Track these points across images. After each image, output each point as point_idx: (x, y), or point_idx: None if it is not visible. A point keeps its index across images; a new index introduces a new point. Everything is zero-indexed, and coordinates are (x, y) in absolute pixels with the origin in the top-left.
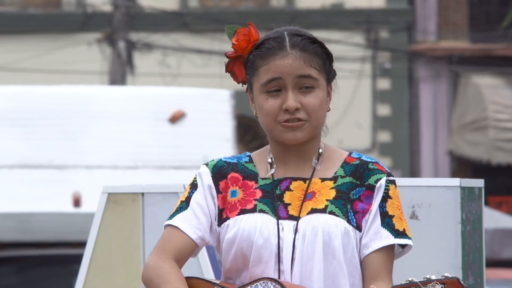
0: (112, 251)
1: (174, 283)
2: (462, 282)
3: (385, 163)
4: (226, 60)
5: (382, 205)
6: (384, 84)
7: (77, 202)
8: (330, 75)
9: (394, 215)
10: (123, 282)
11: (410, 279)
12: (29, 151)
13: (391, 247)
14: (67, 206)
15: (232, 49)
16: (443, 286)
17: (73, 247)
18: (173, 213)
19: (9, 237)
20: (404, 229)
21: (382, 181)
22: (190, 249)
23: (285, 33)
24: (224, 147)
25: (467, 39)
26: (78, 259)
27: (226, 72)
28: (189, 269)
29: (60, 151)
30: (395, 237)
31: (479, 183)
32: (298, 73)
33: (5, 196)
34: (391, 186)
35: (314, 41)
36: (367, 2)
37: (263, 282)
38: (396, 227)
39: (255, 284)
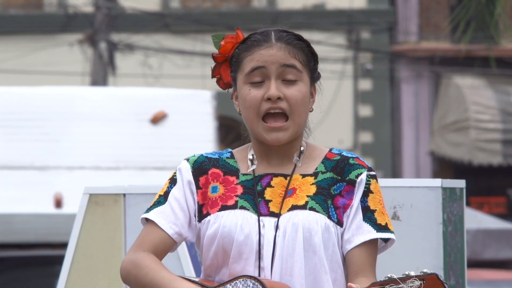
0: (93, 252)
1: (155, 268)
2: (441, 278)
3: None
4: (208, 61)
5: (363, 200)
6: (365, 84)
7: (58, 203)
8: (314, 74)
9: (375, 210)
10: (105, 283)
11: (389, 275)
12: (10, 153)
13: (373, 242)
14: (48, 207)
15: (219, 53)
16: (422, 282)
17: (54, 248)
18: (151, 206)
19: None
20: (386, 223)
21: (363, 176)
22: (167, 245)
23: (272, 30)
24: (206, 148)
25: (448, 40)
26: (59, 260)
27: (212, 78)
28: (169, 266)
29: (41, 152)
30: (377, 232)
31: (461, 183)
32: (283, 62)
33: None
34: (372, 181)
35: (300, 38)
36: (349, 3)
37: (243, 280)
38: (378, 222)
39: (234, 282)
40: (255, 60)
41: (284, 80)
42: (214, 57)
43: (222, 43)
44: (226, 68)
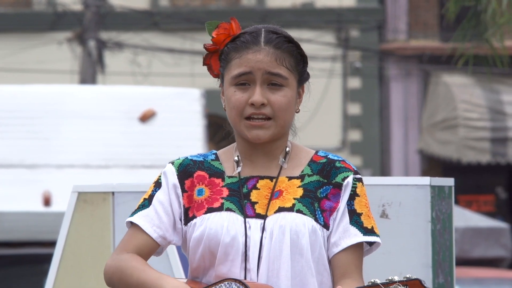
0: (82, 250)
1: (140, 268)
2: (425, 284)
3: (355, 162)
4: (197, 59)
5: (350, 203)
6: (354, 83)
7: (47, 202)
8: (302, 76)
9: (362, 213)
10: (93, 281)
11: (372, 280)
12: None
13: (360, 245)
14: (37, 205)
15: (212, 42)
16: (405, 287)
17: (43, 246)
18: (135, 210)
19: None
20: (372, 227)
21: (349, 179)
22: (151, 248)
23: (263, 29)
24: (195, 146)
25: (438, 38)
26: (48, 258)
27: (203, 65)
28: (159, 266)
29: (30, 151)
30: (363, 235)
31: (449, 182)
32: (268, 69)
33: None
34: (359, 184)
35: (290, 40)
36: (338, 1)
37: (227, 283)
38: (365, 225)
39: (219, 285)
40: (243, 66)
41: (270, 84)
42: (206, 47)
43: (215, 33)
44: (217, 59)
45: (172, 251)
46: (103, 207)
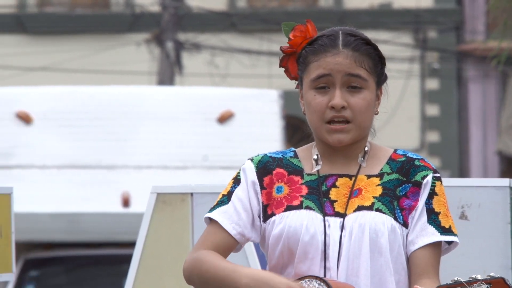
0: (161, 251)
1: (215, 262)
2: (508, 282)
3: (434, 163)
4: (274, 60)
5: (428, 202)
6: (432, 84)
7: (126, 202)
8: (380, 78)
9: (440, 212)
10: (172, 282)
11: (455, 278)
12: (77, 152)
13: (437, 244)
14: (116, 206)
15: (288, 45)
16: (489, 286)
17: (122, 247)
18: (214, 206)
19: (58, 237)
20: (450, 226)
21: (429, 178)
22: (229, 245)
23: (340, 32)
24: (273, 147)
25: None
26: (127, 259)
27: (280, 67)
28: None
29: (108, 152)
30: (441, 234)
31: None
32: (348, 71)
33: (55, 196)
34: (437, 183)
35: (368, 42)
36: (415, 2)
37: (308, 280)
38: (442, 224)
39: (300, 282)
40: (322, 68)
41: (349, 87)
42: (282, 50)
43: (291, 35)
44: (294, 61)
45: (250, 249)
46: (182, 208)
